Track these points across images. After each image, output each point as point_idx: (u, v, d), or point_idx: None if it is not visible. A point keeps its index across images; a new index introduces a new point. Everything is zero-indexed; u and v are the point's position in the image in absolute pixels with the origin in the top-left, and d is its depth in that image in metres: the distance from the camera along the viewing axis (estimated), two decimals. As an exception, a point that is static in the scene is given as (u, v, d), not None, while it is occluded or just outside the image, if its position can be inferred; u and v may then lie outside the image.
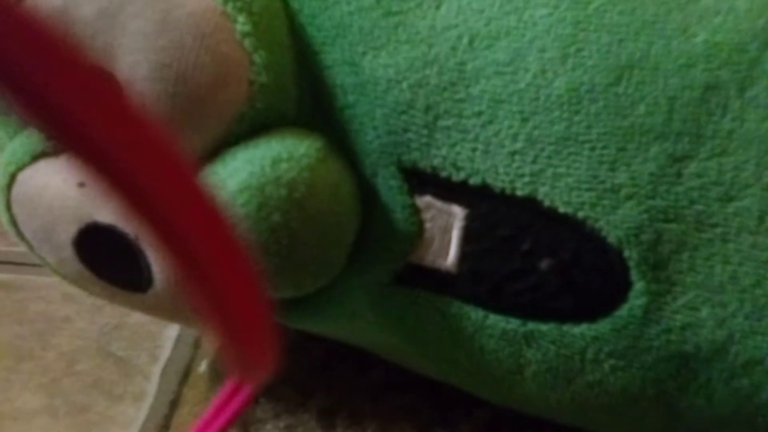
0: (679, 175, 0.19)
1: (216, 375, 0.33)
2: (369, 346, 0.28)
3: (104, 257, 0.24)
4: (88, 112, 0.09)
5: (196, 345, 0.35)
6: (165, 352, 0.35)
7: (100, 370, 0.35)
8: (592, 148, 0.20)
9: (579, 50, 0.20)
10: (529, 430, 0.27)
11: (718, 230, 0.19)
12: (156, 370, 0.35)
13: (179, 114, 0.21)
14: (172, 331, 0.36)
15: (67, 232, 0.24)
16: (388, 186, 0.22)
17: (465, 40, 0.20)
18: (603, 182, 0.20)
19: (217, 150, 0.22)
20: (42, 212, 0.24)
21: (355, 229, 0.22)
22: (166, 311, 0.26)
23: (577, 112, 0.20)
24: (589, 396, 0.22)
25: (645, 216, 0.19)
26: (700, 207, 0.19)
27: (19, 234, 0.26)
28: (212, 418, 0.21)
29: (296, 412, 0.30)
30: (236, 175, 0.21)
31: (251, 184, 0.20)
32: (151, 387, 0.34)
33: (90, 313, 0.38)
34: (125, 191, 0.09)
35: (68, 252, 0.25)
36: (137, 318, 0.37)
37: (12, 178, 0.24)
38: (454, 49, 0.21)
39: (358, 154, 0.22)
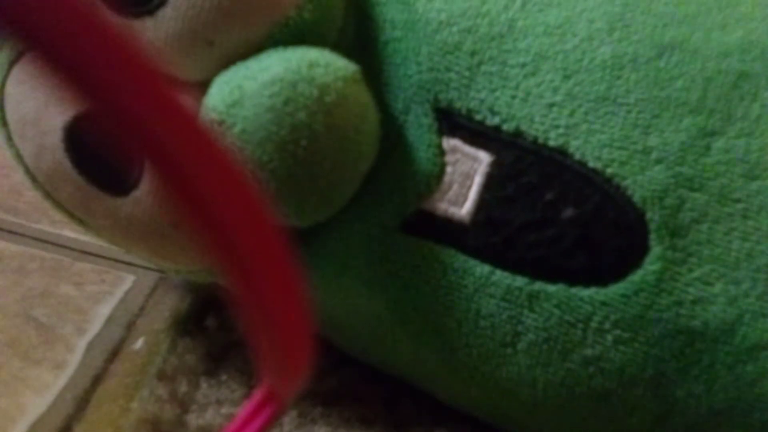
0: (707, 148, 0.20)
1: (152, 353, 0.30)
2: (340, 321, 0.26)
3: (93, 149, 0.23)
4: None
5: (129, 327, 0.32)
6: (93, 328, 0.32)
7: (18, 332, 0.31)
8: (629, 111, 0.20)
9: (626, 26, 0.21)
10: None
11: (740, 206, 0.20)
12: (81, 343, 0.31)
13: (228, 2, 0.21)
14: (104, 308, 0.33)
15: (62, 115, 0.23)
16: (418, 123, 0.22)
17: (518, 3, 0.21)
18: (635, 143, 0.20)
19: (249, 55, 0.21)
20: (41, 91, 0.23)
21: (373, 156, 0.21)
22: (141, 225, 0.24)
23: (618, 78, 0.20)
24: (582, 377, 0.21)
25: (672, 181, 0.20)
26: (724, 180, 0.20)
27: (2, 119, 0.24)
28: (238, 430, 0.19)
29: (239, 402, 0.27)
30: (270, 69, 0.20)
31: (284, 78, 0.20)
32: (74, 358, 0.30)
33: (15, 275, 0.34)
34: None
35: (54, 138, 0.23)
36: (66, 290, 0.34)
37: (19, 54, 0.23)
38: (506, 8, 0.21)
39: (394, 87, 0.22)
